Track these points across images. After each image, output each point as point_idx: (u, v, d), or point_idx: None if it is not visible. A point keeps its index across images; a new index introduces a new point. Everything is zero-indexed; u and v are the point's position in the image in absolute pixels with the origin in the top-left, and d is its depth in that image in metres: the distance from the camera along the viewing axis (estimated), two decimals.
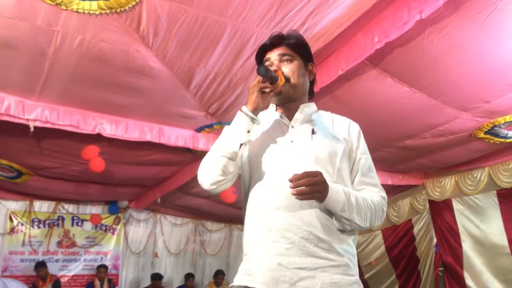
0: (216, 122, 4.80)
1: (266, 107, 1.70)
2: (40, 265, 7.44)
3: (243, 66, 3.60)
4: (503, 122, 4.40)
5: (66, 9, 2.99)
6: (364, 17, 3.08)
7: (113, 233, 8.66)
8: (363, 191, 1.68)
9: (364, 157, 1.75)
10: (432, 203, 6.84)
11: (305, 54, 1.81)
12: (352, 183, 1.71)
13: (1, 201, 7.73)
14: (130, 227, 8.89)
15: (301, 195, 1.45)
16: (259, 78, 1.64)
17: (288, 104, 1.77)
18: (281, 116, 1.78)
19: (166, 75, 3.78)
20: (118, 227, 8.70)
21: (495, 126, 4.51)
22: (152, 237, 8.98)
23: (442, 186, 6.55)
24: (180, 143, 5.00)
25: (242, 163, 1.73)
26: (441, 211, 6.67)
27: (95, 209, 8.43)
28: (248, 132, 1.64)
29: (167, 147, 5.12)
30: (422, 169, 6.63)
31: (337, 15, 2.99)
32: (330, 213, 1.58)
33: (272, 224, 1.57)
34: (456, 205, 6.39)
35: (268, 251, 1.55)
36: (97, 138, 4.71)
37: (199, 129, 5.01)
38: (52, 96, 4.21)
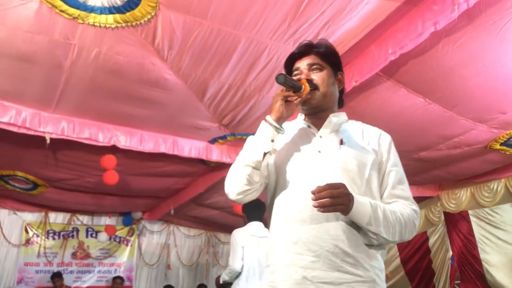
0: (229, 134, 4.82)
1: (291, 116, 1.67)
2: (57, 276, 7.50)
3: (256, 78, 3.62)
4: None
5: (83, 23, 3.04)
6: (377, 29, 3.08)
7: (127, 245, 8.68)
8: (393, 204, 1.63)
9: (394, 169, 1.70)
10: (448, 215, 6.76)
11: (335, 63, 1.79)
12: (382, 196, 1.66)
13: (17, 213, 7.79)
14: (143, 238, 8.91)
15: (323, 208, 1.42)
16: (281, 88, 1.63)
17: (317, 114, 1.75)
18: (309, 126, 1.75)
19: (180, 87, 3.81)
20: (132, 238, 8.73)
21: (511, 137, 4.46)
22: (165, 248, 8.99)
23: (458, 198, 6.47)
24: (194, 155, 5.01)
25: (268, 172, 1.70)
26: (456, 223, 6.59)
27: (110, 221, 8.46)
28: (272, 141, 1.62)
29: (181, 158, 5.14)
30: (437, 181, 6.57)
31: (351, 27, 3.00)
32: (357, 226, 1.54)
33: (297, 236, 1.54)
34: (473, 217, 6.30)
35: (293, 263, 1.53)
36: (112, 150, 4.74)
37: (213, 141, 5.03)
38: (68, 109, 4.27)
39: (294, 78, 1.71)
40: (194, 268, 9.27)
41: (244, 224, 4.54)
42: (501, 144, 4.63)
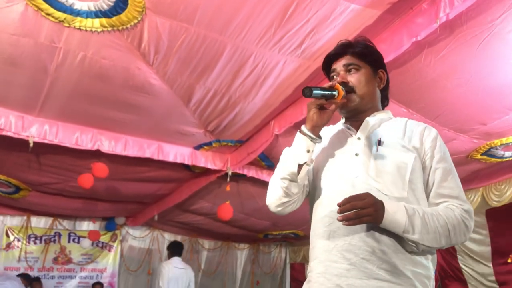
0: (215, 140, 4.83)
1: (327, 123, 1.62)
2: (36, 280, 7.39)
3: (242, 84, 3.64)
4: (499, 144, 4.42)
5: (68, 26, 3.04)
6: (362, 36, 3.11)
7: (109, 250, 8.59)
8: (441, 205, 1.53)
9: (440, 166, 1.58)
10: None
11: (374, 60, 1.74)
12: (429, 196, 1.57)
13: None
14: (126, 244, 8.85)
15: (347, 221, 1.38)
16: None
17: (358, 116, 1.69)
18: (348, 128, 1.71)
19: (166, 92, 3.82)
20: (115, 244, 8.65)
21: (492, 147, 4.53)
22: (148, 254, 8.93)
23: None
24: (179, 160, 5.01)
25: (308, 178, 1.67)
26: None
27: (92, 226, 8.40)
28: (308, 151, 1.57)
29: (166, 164, 5.14)
30: None
31: (335, 35, 3.03)
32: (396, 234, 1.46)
33: (332, 244, 1.50)
34: None
35: (327, 271, 1.49)
36: (96, 155, 4.72)
37: (198, 147, 5.04)
38: (52, 112, 4.25)
39: (329, 82, 1.65)
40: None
41: (169, 258, 6.53)
42: (482, 154, 4.70)
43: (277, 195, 1.61)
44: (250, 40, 3.11)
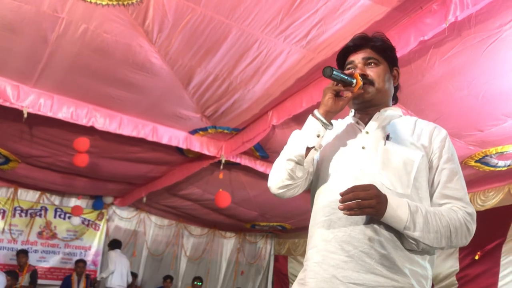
0: (211, 126, 4.79)
1: (340, 111, 1.59)
2: (22, 252, 7.36)
3: (244, 71, 3.60)
4: (494, 152, 4.43)
5: None
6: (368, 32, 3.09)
7: (95, 229, 8.57)
8: (444, 206, 1.51)
9: (447, 167, 1.55)
10: None
11: (391, 58, 1.71)
12: (433, 196, 1.55)
13: None
14: (112, 223, 8.82)
15: (348, 211, 1.35)
16: (333, 82, 1.55)
17: (368, 109, 1.67)
18: (357, 122, 1.68)
19: (166, 73, 3.77)
20: (101, 223, 8.63)
21: (487, 155, 4.54)
22: (134, 236, 8.92)
23: None
24: (173, 143, 4.98)
25: (313, 168, 1.65)
26: None
27: (80, 203, 8.36)
28: (318, 136, 1.55)
29: (159, 146, 5.11)
30: None
31: (342, 28, 3.00)
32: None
33: (332, 234, 1.48)
34: None
35: (324, 261, 1.47)
36: (90, 131, 4.68)
37: (193, 132, 5.00)
38: (49, 84, 4.19)
39: (347, 72, 1.61)
40: (162, 258, 9.22)
41: (113, 249, 8.01)
42: (476, 161, 4.71)
43: (280, 177, 1.57)
44: (256, 26, 3.08)
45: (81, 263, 7.74)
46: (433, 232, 1.41)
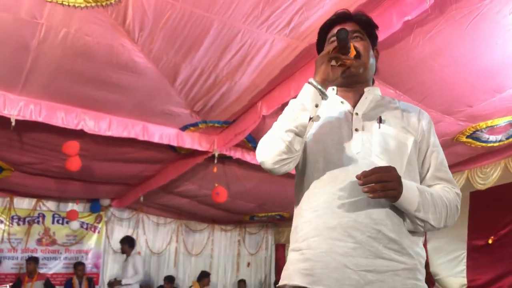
0: (201, 121, 4.78)
1: (334, 81, 1.51)
2: (31, 259, 7.34)
3: (229, 63, 3.58)
4: (484, 126, 4.45)
5: (50, 1, 2.94)
6: None
7: (94, 232, 8.57)
8: (436, 187, 1.52)
9: (436, 149, 1.57)
10: None
11: (374, 36, 1.66)
12: (424, 178, 1.55)
13: None
14: (111, 225, 8.82)
15: (373, 193, 1.31)
16: (329, 48, 1.46)
17: (352, 87, 1.62)
18: (342, 102, 1.61)
19: (151, 71, 3.75)
20: (100, 225, 8.62)
21: (477, 130, 4.56)
22: (133, 235, 8.93)
23: None
24: (165, 141, 4.96)
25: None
26: None
27: (77, 207, 8.34)
28: (317, 106, 1.44)
29: (151, 145, 5.08)
30: None
31: (324, 14, 2.98)
32: (400, 212, 1.42)
33: (336, 221, 1.41)
34: None
35: (332, 250, 1.39)
36: (80, 134, 4.65)
37: (184, 128, 4.98)
38: (35, 91, 4.15)
39: (330, 45, 1.54)
40: (161, 256, 9.23)
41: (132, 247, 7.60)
42: (467, 137, 4.73)
43: (277, 150, 1.43)
44: (237, 18, 3.05)
45: (80, 266, 7.75)
46: (438, 213, 1.43)
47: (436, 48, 3.27)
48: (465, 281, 6.00)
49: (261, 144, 1.50)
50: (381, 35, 3.00)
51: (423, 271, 1.45)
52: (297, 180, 1.63)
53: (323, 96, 1.44)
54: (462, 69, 3.49)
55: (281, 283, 1.49)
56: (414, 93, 3.90)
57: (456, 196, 1.52)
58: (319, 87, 1.43)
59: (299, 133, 1.42)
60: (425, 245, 6.49)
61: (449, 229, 5.85)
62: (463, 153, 5.31)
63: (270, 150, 1.45)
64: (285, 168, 1.47)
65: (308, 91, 1.44)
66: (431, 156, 1.56)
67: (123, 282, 7.23)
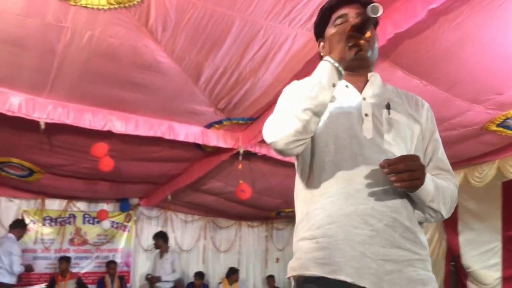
0: (225, 118, 4.79)
1: (349, 61, 1.41)
2: (63, 258, 7.50)
3: (252, 60, 3.58)
4: None
5: (75, 5, 2.99)
6: None
7: (124, 231, 8.69)
8: (439, 177, 1.49)
9: (437, 138, 1.57)
10: None
11: (376, 21, 1.57)
12: (426, 167, 1.47)
13: (13, 200, 7.78)
14: (141, 224, 8.93)
15: (401, 182, 1.27)
16: (345, 26, 1.38)
17: (356, 72, 1.55)
18: (346, 86, 1.55)
19: (174, 71, 3.77)
20: (129, 224, 8.74)
21: (508, 118, 4.45)
22: None
23: None
24: (190, 139, 4.99)
25: None
26: None
27: (107, 207, 8.46)
28: (334, 86, 1.34)
29: (177, 143, 5.12)
30: None
31: None
32: (412, 201, 1.40)
33: (351, 207, 1.35)
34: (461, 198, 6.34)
35: (349, 238, 1.33)
36: (107, 135, 4.72)
37: (209, 126, 5.01)
38: (62, 94, 4.23)
39: (339, 26, 1.50)
40: (193, 253, 9.31)
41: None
42: (497, 126, 4.61)
43: (292, 129, 1.32)
44: (259, 14, 3.05)
45: (112, 264, 7.87)
46: (448, 203, 1.44)
47: (463, 36, 3.20)
48: (499, 274, 5.87)
49: (272, 123, 1.40)
50: (406, 25, 2.97)
51: (430, 261, 1.44)
52: (300, 165, 1.57)
53: (339, 76, 1.35)
54: (490, 55, 3.41)
55: (293, 273, 1.43)
56: (441, 83, 3.83)
57: (455, 187, 1.52)
58: (337, 65, 1.34)
59: (317, 113, 1.33)
60: (456, 237, 6.38)
61: (481, 220, 5.83)
62: (493, 142, 5.19)
63: (284, 129, 1.33)
64: (297, 150, 1.38)
65: (325, 69, 1.35)
66: (434, 146, 1.55)
67: (163, 278, 7.48)
